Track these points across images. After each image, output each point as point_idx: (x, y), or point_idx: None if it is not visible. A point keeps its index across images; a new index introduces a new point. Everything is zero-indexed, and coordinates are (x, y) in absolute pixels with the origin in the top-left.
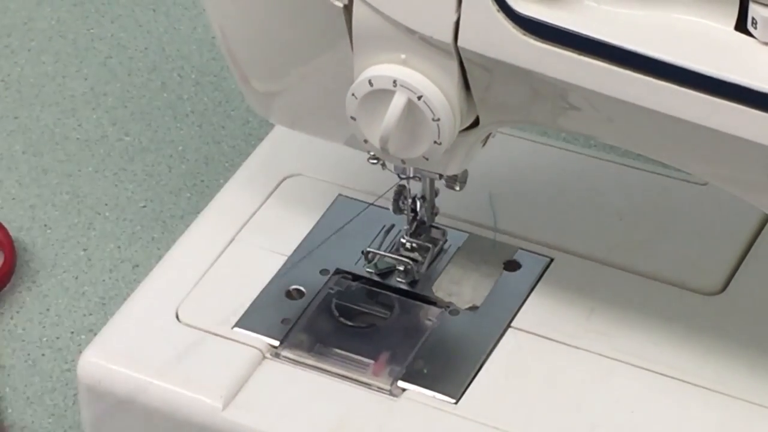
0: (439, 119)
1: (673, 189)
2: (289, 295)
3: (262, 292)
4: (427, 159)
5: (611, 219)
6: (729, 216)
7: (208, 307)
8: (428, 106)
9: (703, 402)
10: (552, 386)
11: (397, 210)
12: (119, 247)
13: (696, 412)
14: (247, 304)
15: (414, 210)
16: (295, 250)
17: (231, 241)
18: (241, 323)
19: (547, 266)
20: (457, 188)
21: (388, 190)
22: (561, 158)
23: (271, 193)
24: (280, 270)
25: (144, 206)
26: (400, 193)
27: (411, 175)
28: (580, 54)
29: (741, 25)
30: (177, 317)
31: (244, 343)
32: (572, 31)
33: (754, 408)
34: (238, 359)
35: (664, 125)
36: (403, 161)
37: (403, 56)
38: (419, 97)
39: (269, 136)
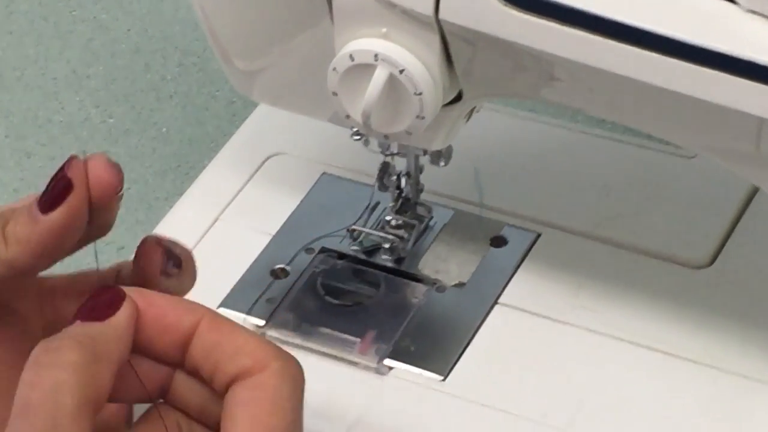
0: (421, 93)
1: (661, 162)
2: (274, 274)
3: (246, 271)
4: (410, 134)
5: (598, 193)
6: (717, 188)
7: (194, 287)
8: (410, 80)
9: (692, 376)
10: (540, 362)
11: (382, 187)
12: None
13: (686, 387)
14: (232, 284)
15: (399, 187)
16: (279, 229)
17: (215, 221)
18: (226, 303)
19: (534, 242)
20: (442, 164)
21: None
22: (547, 132)
23: (255, 172)
24: (264, 249)
25: (128, 188)
26: (385, 169)
27: (395, 152)
28: (563, 25)
29: None
30: None
31: None
32: (555, 1)
33: (745, 381)
34: None
35: (649, 95)
36: (386, 136)
37: (384, 30)
38: (401, 71)
39: (252, 115)
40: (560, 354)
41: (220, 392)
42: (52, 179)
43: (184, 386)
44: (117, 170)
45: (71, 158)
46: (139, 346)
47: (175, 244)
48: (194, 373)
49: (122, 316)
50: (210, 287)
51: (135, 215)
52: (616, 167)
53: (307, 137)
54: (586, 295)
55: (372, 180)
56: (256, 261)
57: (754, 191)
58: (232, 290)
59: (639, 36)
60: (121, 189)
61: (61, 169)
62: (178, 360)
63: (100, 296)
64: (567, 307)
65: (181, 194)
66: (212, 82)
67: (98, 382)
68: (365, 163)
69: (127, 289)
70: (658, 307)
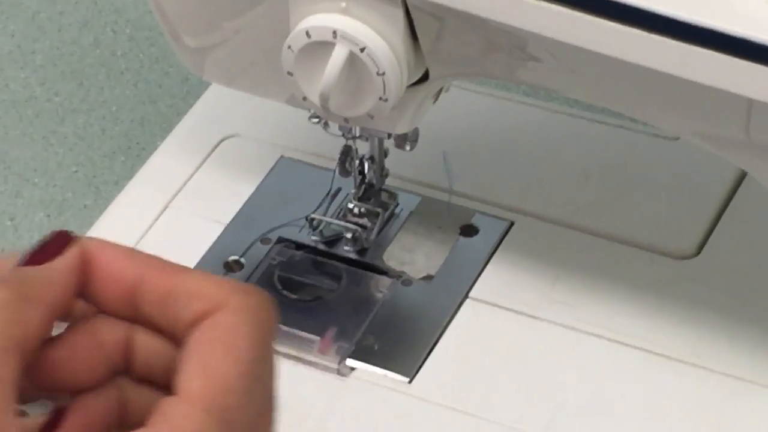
0: (384, 73)
1: (642, 144)
2: (227, 266)
3: (198, 264)
4: (372, 117)
5: (576, 178)
6: (702, 173)
7: None
8: (372, 59)
9: (678, 376)
10: (514, 362)
11: (344, 172)
12: (49, 215)
13: (671, 388)
14: None
15: (362, 172)
16: (233, 218)
17: (164, 209)
18: None
19: (507, 230)
20: (408, 148)
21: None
22: (520, 113)
23: (208, 156)
24: (217, 239)
25: (75, 171)
26: (346, 154)
27: (357, 135)
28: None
29: None
30: None
31: None
32: None
33: (733, 382)
34: None
35: (633, 75)
36: (346, 120)
37: (343, 4)
38: (362, 49)
39: (205, 94)
40: (536, 353)
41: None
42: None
43: (146, 349)
44: None
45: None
46: (89, 297)
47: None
48: (153, 330)
49: (60, 260)
50: None
51: (82, 200)
52: (595, 150)
53: (263, 118)
54: (563, 288)
55: (334, 164)
56: (208, 252)
57: (743, 174)
58: None
59: (623, 12)
60: None
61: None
62: (131, 314)
63: (47, 241)
64: (543, 301)
65: (131, 177)
66: (165, 57)
67: (25, 322)
68: (326, 145)
69: (82, 238)
70: (641, 301)
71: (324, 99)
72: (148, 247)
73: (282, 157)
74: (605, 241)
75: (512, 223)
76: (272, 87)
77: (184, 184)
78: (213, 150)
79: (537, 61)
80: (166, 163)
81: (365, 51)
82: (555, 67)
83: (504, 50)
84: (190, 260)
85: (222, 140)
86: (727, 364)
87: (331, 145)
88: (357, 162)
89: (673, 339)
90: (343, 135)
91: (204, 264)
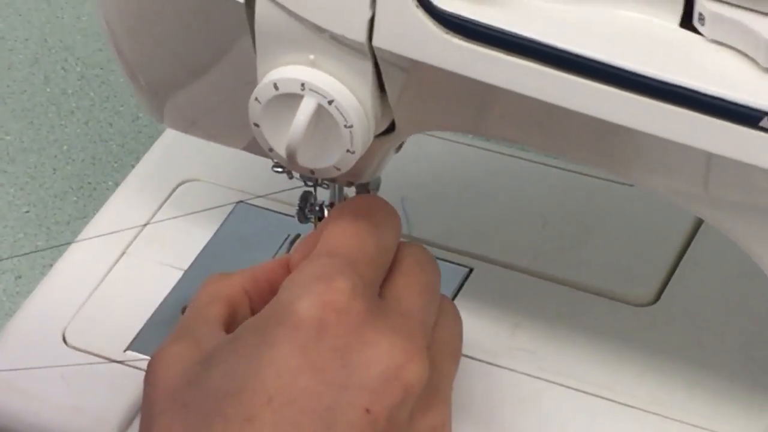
0: (351, 126)
1: (598, 190)
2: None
3: (156, 310)
4: (338, 169)
5: (534, 224)
6: (660, 218)
7: (98, 328)
8: (340, 112)
9: (639, 424)
10: (473, 411)
11: (303, 218)
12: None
13: None
14: (141, 325)
15: (321, 218)
16: (192, 263)
17: (122, 255)
18: (134, 346)
19: (467, 277)
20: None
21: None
22: (477, 157)
23: (165, 200)
24: (176, 285)
25: (27, 212)
26: (306, 199)
27: (319, 182)
28: (509, 54)
29: (687, 21)
30: (64, 340)
31: (137, 368)
32: (500, 29)
33: (692, 430)
34: (132, 385)
35: (606, 131)
36: (312, 171)
37: (311, 57)
38: (330, 102)
39: (162, 137)
40: (496, 401)
41: None
42: None
43: None
44: None
45: None
46: None
47: None
48: None
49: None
50: (117, 328)
51: (34, 241)
52: (552, 195)
53: (221, 162)
54: (523, 335)
55: (290, 208)
56: (166, 298)
57: (700, 220)
58: (141, 331)
59: (593, 69)
60: None
61: None
62: None
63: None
64: (503, 348)
65: (83, 218)
66: (116, 96)
67: (230, 285)
68: (285, 190)
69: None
70: (602, 348)
71: (291, 151)
72: (106, 292)
73: (240, 202)
74: (565, 288)
75: (471, 270)
76: (231, 135)
77: (142, 229)
78: (170, 194)
79: (505, 115)
80: (123, 206)
81: (333, 104)
82: (524, 122)
83: (473, 104)
84: (149, 306)
85: (179, 184)
86: (687, 412)
87: (291, 189)
88: (317, 208)
89: (633, 386)
90: (305, 182)
91: (163, 310)
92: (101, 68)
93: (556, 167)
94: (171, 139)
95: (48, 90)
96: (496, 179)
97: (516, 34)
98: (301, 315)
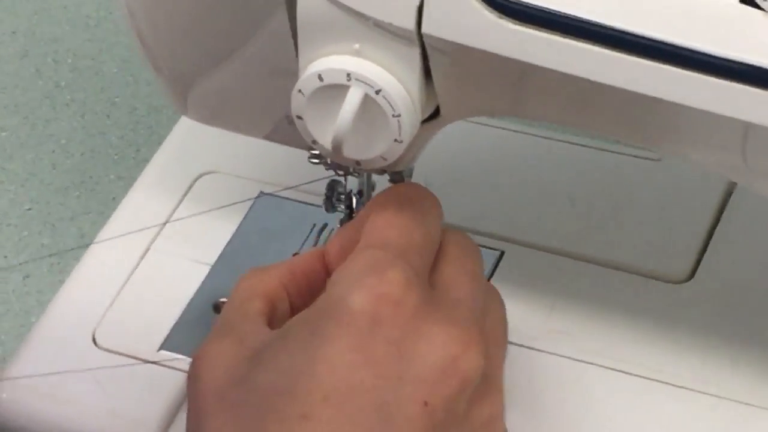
0: (399, 115)
1: (625, 166)
2: (217, 308)
3: (186, 307)
4: (385, 159)
5: (562, 203)
6: (688, 193)
7: (128, 328)
8: (387, 101)
9: (684, 404)
10: (512, 396)
11: (330, 207)
12: (6, 256)
13: (676, 415)
14: (172, 323)
15: (349, 206)
16: (218, 258)
17: (146, 252)
18: (167, 344)
19: (498, 261)
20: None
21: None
22: (499, 139)
23: (185, 194)
24: (204, 281)
25: (29, 209)
26: (333, 188)
27: (351, 171)
28: (565, 37)
29: None
30: (94, 342)
31: (172, 367)
32: (555, 11)
33: (738, 407)
34: (168, 385)
35: (654, 109)
36: (358, 162)
37: (356, 46)
38: (377, 92)
39: (176, 128)
40: (537, 385)
41: None
42: None
43: None
44: None
45: None
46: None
47: None
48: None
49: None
50: (147, 327)
51: (39, 239)
52: (579, 174)
53: (240, 152)
54: (559, 317)
55: (315, 197)
56: (196, 295)
57: (730, 190)
58: (173, 329)
59: (649, 48)
60: None
61: None
62: None
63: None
64: (540, 332)
65: (87, 212)
66: (111, 86)
67: (266, 282)
68: (307, 178)
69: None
70: (640, 327)
71: (337, 142)
72: (133, 291)
73: (261, 193)
74: (598, 268)
75: (503, 253)
76: (255, 125)
77: (164, 224)
78: (190, 187)
79: (546, 96)
80: (142, 203)
81: (380, 93)
82: (564, 100)
83: (516, 87)
84: (179, 304)
85: (199, 176)
86: (733, 390)
87: (312, 177)
88: (344, 197)
89: (677, 365)
90: (335, 171)
91: (193, 307)
92: (92, 59)
93: (579, 144)
94: (185, 131)
95: (40, 83)
96: (519, 160)
97: (573, 15)
98: (354, 309)
